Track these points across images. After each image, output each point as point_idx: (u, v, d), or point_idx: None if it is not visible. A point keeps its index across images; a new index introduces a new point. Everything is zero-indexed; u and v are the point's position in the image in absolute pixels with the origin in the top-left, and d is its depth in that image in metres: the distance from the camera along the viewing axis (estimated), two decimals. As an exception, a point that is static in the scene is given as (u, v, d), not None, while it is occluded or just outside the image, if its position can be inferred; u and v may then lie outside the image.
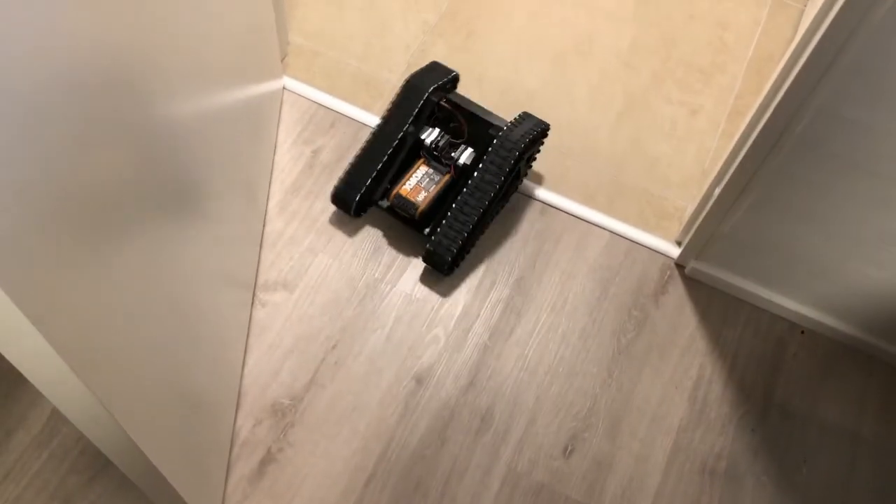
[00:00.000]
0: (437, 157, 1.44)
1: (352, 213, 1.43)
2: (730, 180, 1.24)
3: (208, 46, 1.12)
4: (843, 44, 0.96)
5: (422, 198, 1.40)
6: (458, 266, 1.43)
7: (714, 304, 1.45)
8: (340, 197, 1.43)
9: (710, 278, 1.45)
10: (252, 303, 1.38)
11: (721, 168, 1.30)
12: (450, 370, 1.34)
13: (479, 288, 1.43)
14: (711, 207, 1.32)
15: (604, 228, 1.51)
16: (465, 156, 1.43)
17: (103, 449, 0.84)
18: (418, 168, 1.44)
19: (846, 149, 1.09)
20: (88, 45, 0.71)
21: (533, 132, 1.42)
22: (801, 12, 1.80)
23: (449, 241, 1.37)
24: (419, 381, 1.33)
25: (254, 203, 1.41)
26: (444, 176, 1.43)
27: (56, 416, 1.26)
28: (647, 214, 1.53)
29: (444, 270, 1.39)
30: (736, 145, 1.24)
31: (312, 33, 1.68)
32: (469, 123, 1.45)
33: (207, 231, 1.16)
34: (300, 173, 1.52)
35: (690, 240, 1.40)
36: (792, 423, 1.35)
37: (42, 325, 0.62)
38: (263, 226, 1.46)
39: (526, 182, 1.54)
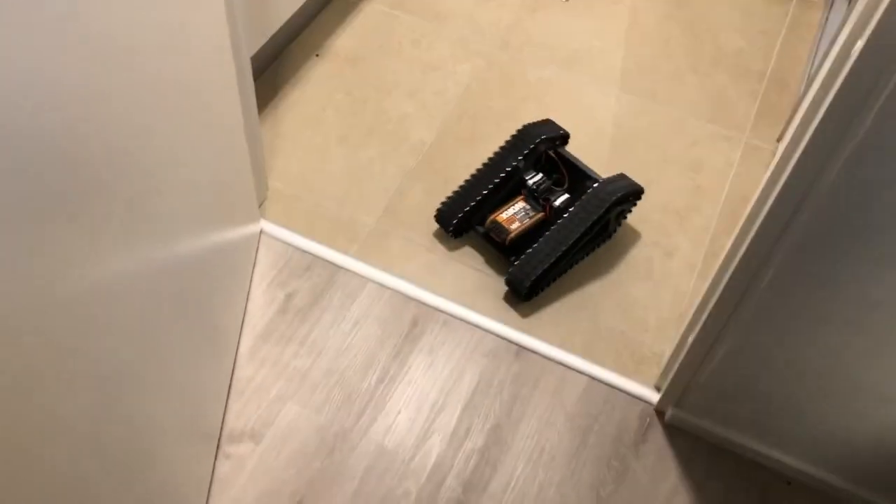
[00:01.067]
0: (536, 196, 1.62)
1: (451, 232, 1.60)
2: (702, 329, 1.23)
3: (184, 193, 1.13)
4: (800, 202, 0.97)
5: (514, 227, 1.57)
6: (535, 294, 1.55)
7: (696, 453, 1.40)
8: (444, 216, 1.61)
9: (691, 426, 1.41)
10: (216, 455, 1.33)
11: (694, 315, 1.29)
12: (420, 527, 1.28)
13: (453, 436, 1.38)
14: (686, 355, 1.29)
15: (581, 373, 1.48)
16: (561, 200, 1.61)
17: None
18: (517, 202, 1.62)
19: (815, 301, 1.08)
20: (62, 187, 0.71)
21: (624, 190, 1.58)
22: (773, 154, 1.84)
23: (529, 268, 1.51)
24: (388, 539, 1.27)
25: (223, 349, 1.39)
26: (538, 214, 1.60)
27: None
28: (625, 359, 1.50)
29: (521, 294, 1.53)
30: (706, 293, 1.24)
31: (292, 178, 1.71)
32: (570, 174, 1.66)
33: (173, 380, 1.13)
34: (273, 318, 1.50)
35: (668, 387, 1.37)
36: (784, 585, 1.27)
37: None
38: (232, 372, 1.43)
39: (501, 326, 1.52)
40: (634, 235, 1.67)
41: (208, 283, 1.31)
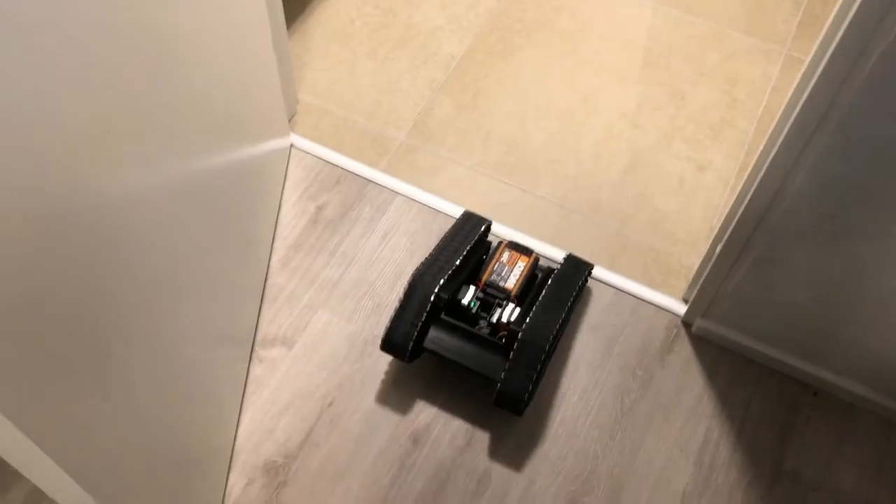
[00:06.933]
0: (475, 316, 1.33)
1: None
2: (729, 238, 1.22)
3: (213, 108, 1.14)
4: (831, 103, 0.95)
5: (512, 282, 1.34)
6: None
7: (722, 363, 1.40)
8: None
9: (717, 337, 1.41)
10: (249, 359, 1.37)
11: (722, 224, 1.28)
12: (447, 430, 1.32)
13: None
14: (713, 265, 1.29)
15: (608, 285, 1.48)
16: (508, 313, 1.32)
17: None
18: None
19: (843, 207, 1.06)
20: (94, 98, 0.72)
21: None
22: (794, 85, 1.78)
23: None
24: (415, 440, 1.31)
25: (255, 259, 1.42)
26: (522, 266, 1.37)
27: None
28: (653, 272, 1.50)
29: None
30: (735, 202, 1.22)
31: (322, 92, 1.71)
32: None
33: (207, 289, 1.16)
34: (303, 229, 1.53)
35: (695, 298, 1.37)
36: (805, 490, 1.29)
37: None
38: (265, 281, 1.46)
39: (529, 238, 1.53)
40: (667, 150, 1.65)
41: (242, 195, 1.33)
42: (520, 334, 1.25)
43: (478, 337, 1.30)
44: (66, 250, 0.72)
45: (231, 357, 1.30)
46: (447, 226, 1.54)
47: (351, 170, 1.60)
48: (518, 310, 1.31)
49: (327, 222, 1.54)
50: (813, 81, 0.94)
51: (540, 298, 1.31)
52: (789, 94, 1.04)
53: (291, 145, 1.64)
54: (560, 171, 1.62)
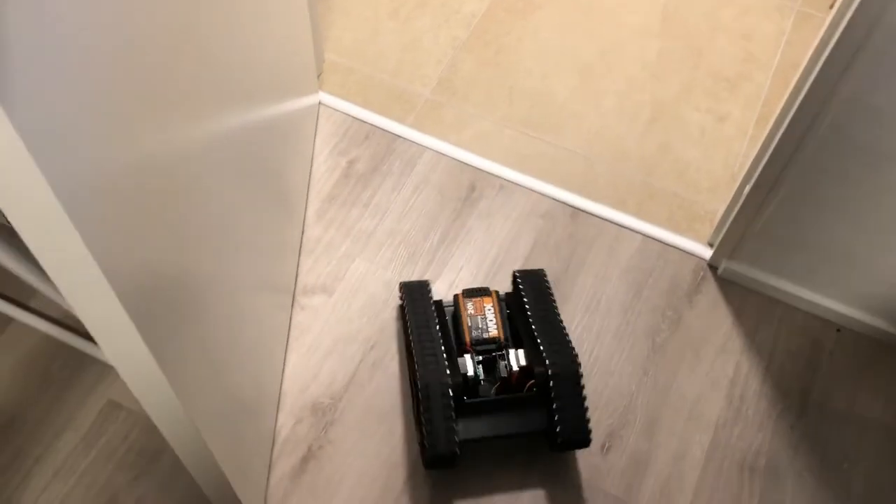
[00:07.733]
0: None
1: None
2: (759, 176, 1.26)
3: (249, 65, 1.16)
4: (870, 30, 0.99)
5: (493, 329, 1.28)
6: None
7: (748, 303, 1.45)
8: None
9: (743, 278, 1.46)
10: (292, 306, 1.41)
11: (751, 166, 1.32)
12: (486, 370, 1.36)
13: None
14: (742, 205, 1.33)
15: (635, 231, 1.52)
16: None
17: (170, 436, 0.87)
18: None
19: (874, 139, 1.11)
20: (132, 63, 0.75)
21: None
22: (825, 22, 1.83)
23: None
24: (456, 380, 1.35)
25: (292, 212, 1.45)
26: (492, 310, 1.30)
27: (103, 417, 1.30)
28: (678, 218, 1.55)
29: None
30: (765, 142, 1.26)
31: (346, 51, 1.74)
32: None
33: (250, 240, 1.19)
34: (336, 183, 1.56)
35: (722, 239, 1.42)
36: (831, 421, 1.34)
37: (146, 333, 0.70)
38: (302, 233, 1.49)
39: (556, 189, 1.57)
40: (687, 102, 1.69)
41: (277, 150, 1.36)
42: (549, 371, 1.19)
43: (500, 402, 1.22)
44: (146, 201, 0.75)
45: (275, 304, 1.33)
46: (476, 178, 1.57)
47: (379, 125, 1.63)
48: (521, 351, 1.25)
49: (359, 176, 1.57)
50: (852, 8, 0.98)
51: (534, 329, 1.25)
52: (824, 29, 1.08)
53: (320, 102, 1.66)
54: (584, 123, 1.66)
